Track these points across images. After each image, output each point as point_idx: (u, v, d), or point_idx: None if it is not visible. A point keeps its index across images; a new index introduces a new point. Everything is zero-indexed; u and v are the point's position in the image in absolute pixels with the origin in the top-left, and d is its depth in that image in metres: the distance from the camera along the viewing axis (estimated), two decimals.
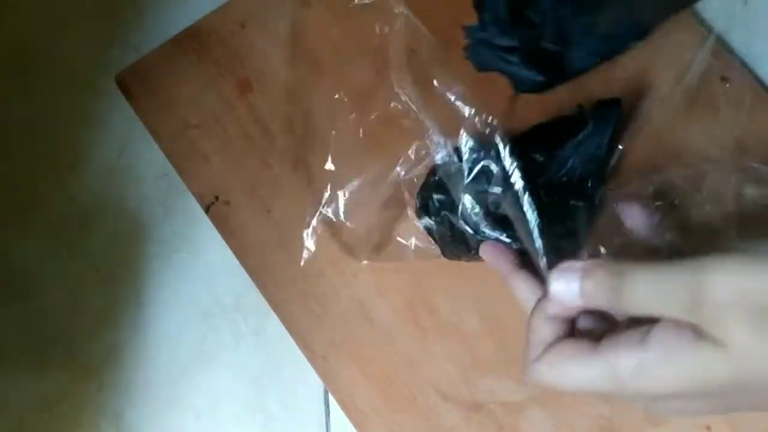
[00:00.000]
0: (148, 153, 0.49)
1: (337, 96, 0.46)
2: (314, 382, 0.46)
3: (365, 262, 0.45)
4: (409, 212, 0.44)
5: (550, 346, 0.33)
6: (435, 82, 0.39)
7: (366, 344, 0.45)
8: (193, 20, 0.51)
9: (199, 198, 0.48)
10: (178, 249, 0.49)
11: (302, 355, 0.45)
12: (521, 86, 0.46)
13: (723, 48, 0.47)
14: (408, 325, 0.45)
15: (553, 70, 0.45)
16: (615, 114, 0.42)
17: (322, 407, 0.46)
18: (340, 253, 0.46)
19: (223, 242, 0.47)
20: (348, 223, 0.44)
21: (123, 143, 0.50)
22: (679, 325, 0.30)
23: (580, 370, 0.32)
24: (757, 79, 0.46)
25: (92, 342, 0.47)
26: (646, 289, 0.30)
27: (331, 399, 0.45)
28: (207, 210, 0.48)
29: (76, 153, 0.50)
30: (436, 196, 0.42)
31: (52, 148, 0.51)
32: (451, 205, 0.40)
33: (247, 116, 0.49)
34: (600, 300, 0.31)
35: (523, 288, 0.36)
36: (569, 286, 0.32)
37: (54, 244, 0.49)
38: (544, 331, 0.34)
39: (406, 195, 0.44)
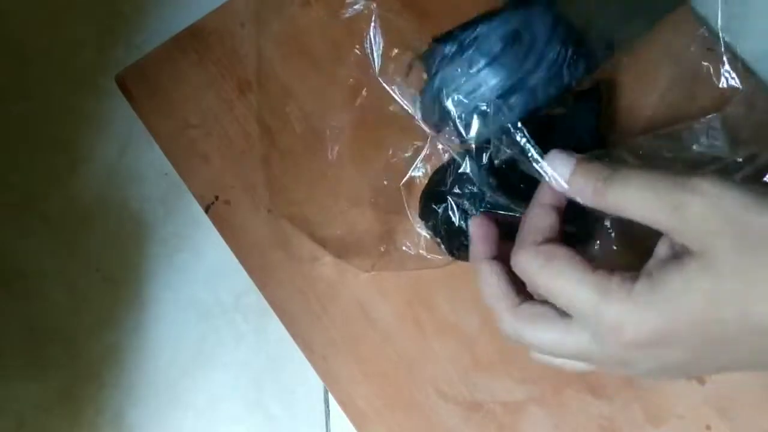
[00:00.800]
0: (148, 153, 0.50)
1: (336, 96, 0.46)
2: (314, 382, 0.46)
3: (372, 272, 0.45)
4: (410, 216, 0.44)
5: (546, 240, 0.34)
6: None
7: (366, 344, 0.45)
8: (195, 20, 0.51)
9: (199, 198, 0.48)
10: (178, 249, 0.49)
11: (302, 355, 0.45)
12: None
13: (723, 48, 0.47)
14: (408, 325, 0.45)
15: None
16: (595, 101, 0.42)
17: (322, 407, 0.46)
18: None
19: (223, 242, 0.47)
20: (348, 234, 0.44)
21: (124, 143, 0.50)
22: (672, 253, 0.31)
23: (574, 274, 0.32)
24: (758, 79, 0.46)
25: (92, 342, 0.47)
26: (635, 188, 0.31)
27: (331, 399, 0.45)
28: (207, 210, 0.48)
29: (77, 153, 0.50)
30: (442, 195, 0.41)
31: (52, 148, 0.51)
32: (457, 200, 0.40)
33: (247, 116, 0.49)
34: (587, 190, 0.33)
35: (493, 280, 0.36)
36: (563, 164, 0.34)
37: (54, 243, 0.49)
38: (542, 219, 0.35)
39: (404, 199, 0.43)
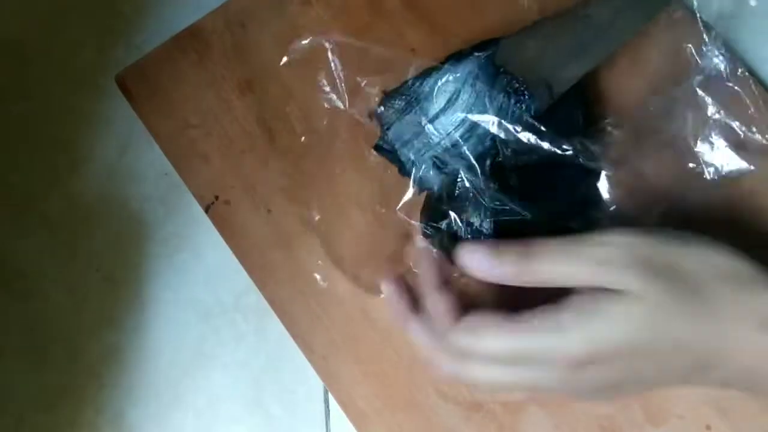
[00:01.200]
0: (149, 153, 0.50)
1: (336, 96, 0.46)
2: (314, 382, 0.46)
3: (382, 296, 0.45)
4: (415, 238, 0.43)
5: (463, 315, 0.37)
6: None
7: (366, 344, 0.45)
8: (195, 20, 0.51)
9: (199, 198, 0.48)
10: (178, 249, 0.49)
11: (302, 355, 0.45)
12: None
13: (722, 47, 0.47)
14: None
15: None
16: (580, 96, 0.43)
17: (322, 407, 0.46)
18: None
19: (223, 242, 0.47)
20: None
21: (124, 143, 0.50)
22: (591, 291, 0.34)
23: (502, 333, 0.35)
24: (758, 79, 0.46)
25: (92, 341, 0.47)
26: (555, 259, 0.35)
27: (331, 399, 0.45)
28: (207, 210, 0.48)
29: (77, 153, 0.50)
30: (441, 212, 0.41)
31: (52, 148, 0.51)
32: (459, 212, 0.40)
33: (247, 116, 0.49)
34: (509, 273, 0.36)
35: (422, 334, 0.39)
36: (473, 258, 0.36)
37: (54, 243, 0.49)
38: (444, 301, 0.38)
39: (403, 218, 0.43)
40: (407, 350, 0.44)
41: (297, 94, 0.49)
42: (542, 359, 0.35)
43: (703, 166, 0.42)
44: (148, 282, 0.48)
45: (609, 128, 0.42)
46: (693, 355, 0.35)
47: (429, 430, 0.43)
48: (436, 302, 0.38)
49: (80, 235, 0.49)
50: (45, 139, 0.51)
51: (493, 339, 0.35)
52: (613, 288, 0.34)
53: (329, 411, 0.46)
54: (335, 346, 0.45)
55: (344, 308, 0.45)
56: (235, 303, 0.48)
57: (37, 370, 0.47)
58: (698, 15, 0.42)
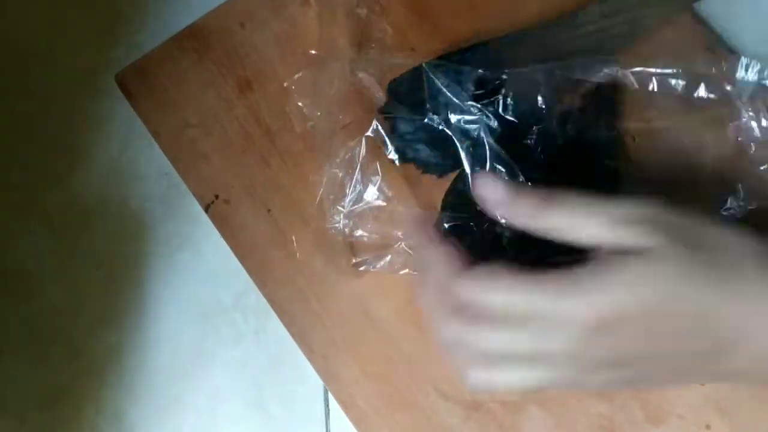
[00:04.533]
0: (148, 152, 0.50)
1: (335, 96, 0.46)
2: (314, 382, 0.46)
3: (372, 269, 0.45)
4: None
5: (471, 263, 0.34)
6: None
7: (366, 344, 0.45)
8: (195, 20, 0.51)
9: (199, 197, 0.48)
10: (178, 248, 0.49)
11: (302, 354, 0.45)
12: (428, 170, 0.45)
13: (723, 47, 0.47)
14: (408, 325, 0.45)
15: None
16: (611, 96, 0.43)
17: (322, 407, 0.46)
18: (340, 252, 0.45)
19: (223, 241, 0.47)
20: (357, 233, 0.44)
21: (124, 142, 0.50)
22: (609, 252, 0.32)
23: (513, 285, 0.32)
24: (757, 79, 0.46)
25: (92, 341, 0.47)
26: (573, 214, 0.33)
27: (331, 398, 0.45)
28: (207, 209, 0.48)
29: (77, 152, 0.50)
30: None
31: (52, 148, 0.51)
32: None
33: (247, 116, 0.49)
34: (523, 214, 0.33)
35: (427, 287, 0.35)
36: (494, 188, 0.34)
37: (54, 243, 0.49)
38: (450, 250, 0.34)
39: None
40: (407, 350, 0.44)
41: (297, 93, 0.49)
42: (556, 320, 0.31)
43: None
44: (148, 281, 0.48)
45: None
46: (712, 335, 0.32)
47: (429, 430, 0.43)
48: (440, 252, 0.35)
49: (80, 234, 0.49)
50: (45, 139, 0.51)
51: (504, 292, 0.32)
52: (633, 247, 0.31)
53: (329, 410, 0.46)
54: (335, 346, 0.45)
55: (344, 308, 0.45)
56: (235, 302, 0.48)
57: (37, 370, 0.47)
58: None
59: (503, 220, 0.35)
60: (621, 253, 0.31)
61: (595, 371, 0.33)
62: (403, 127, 0.43)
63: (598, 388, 0.37)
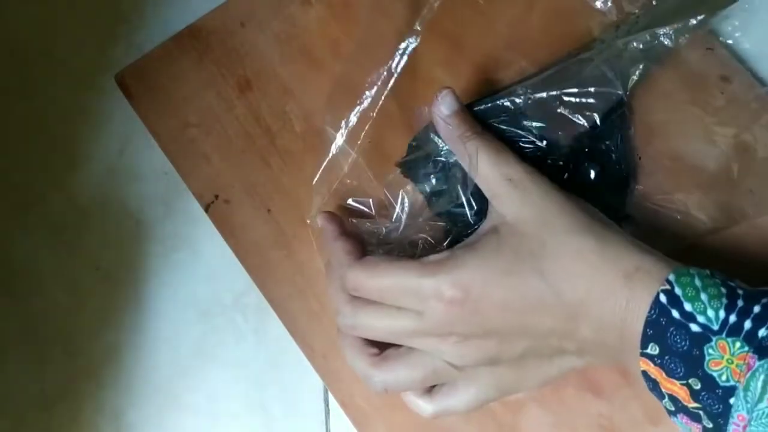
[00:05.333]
0: (148, 152, 0.50)
1: (335, 96, 0.46)
2: (314, 382, 0.46)
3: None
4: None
5: (361, 257, 0.39)
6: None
7: None
8: (195, 20, 0.51)
9: (199, 197, 0.48)
10: (178, 248, 0.49)
11: (302, 354, 0.45)
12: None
13: (723, 48, 0.47)
14: None
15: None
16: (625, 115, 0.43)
17: (322, 406, 0.46)
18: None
19: (223, 241, 0.47)
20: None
21: (123, 142, 0.50)
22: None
23: (392, 268, 0.37)
24: (758, 79, 0.46)
25: (92, 341, 0.47)
26: (486, 154, 0.38)
27: (331, 398, 0.45)
28: (207, 209, 0.48)
29: (77, 152, 0.50)
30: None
31: (52, 147, 0.51)
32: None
33: (247, 115, 0.49)
34: (454, 134, 0.40)
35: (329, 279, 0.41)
36: (449, 105, 0.40)
37: (54, 242, 0.49)
38: (346, 245, 0.40)
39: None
40: None
41: (297, 94, 0.49)
42: (423, 295, 0.36)
43: None
44: (148, 281, 0.48)
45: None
46: (556, 311, 0.35)
47: (428, 429, 0.43)
48: (339, 248, 0.40)
49: (80, 234, 0.49)
50: (45, 139, 0.51)
51: (380, 276, 0.37)
52: (508, 218, 0.37)
53: (329, 410, 0.46)
54: (335, 345, 0.45)
55: None
56: (234, 302, 0.48)
57: (36, 370, 0.47)
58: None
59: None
60: (492, 229, 0.37)
61: (469, 342, 0.36)
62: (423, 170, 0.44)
63: (474, 363, 0.38)
